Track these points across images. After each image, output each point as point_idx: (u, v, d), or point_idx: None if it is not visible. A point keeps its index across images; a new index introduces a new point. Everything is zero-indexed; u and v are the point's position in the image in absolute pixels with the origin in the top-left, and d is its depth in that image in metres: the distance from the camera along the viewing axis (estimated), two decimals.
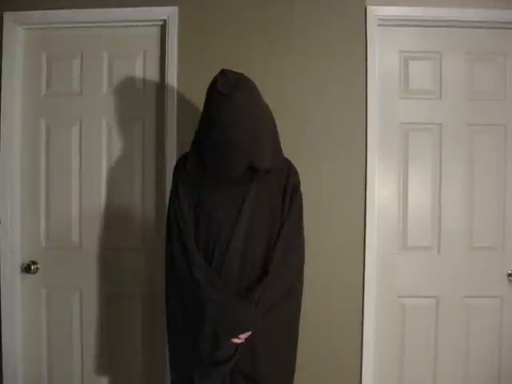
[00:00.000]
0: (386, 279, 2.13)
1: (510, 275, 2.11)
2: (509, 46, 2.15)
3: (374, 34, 2.08)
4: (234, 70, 1.50)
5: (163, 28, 2.15)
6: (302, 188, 1.64)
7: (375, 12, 2.09)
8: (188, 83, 2.09)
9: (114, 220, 2.17)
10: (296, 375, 1.63)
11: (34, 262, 2.19)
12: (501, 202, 2.13)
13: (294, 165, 1.67)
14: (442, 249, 2.13)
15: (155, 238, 2.11)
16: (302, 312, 1.62)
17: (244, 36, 2.08)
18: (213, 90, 1.44)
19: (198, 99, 2.00)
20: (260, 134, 1.50)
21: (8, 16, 2.15)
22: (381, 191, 2.13)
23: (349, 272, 2.07)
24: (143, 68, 2.19)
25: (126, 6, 2.13)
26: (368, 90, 2.07)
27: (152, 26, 2.17)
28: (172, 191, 1.62)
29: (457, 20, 2.11)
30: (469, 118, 2.14)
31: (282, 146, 1.64)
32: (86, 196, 2.19)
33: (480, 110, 2.14)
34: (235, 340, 1.46)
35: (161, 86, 2.15)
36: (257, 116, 1.48)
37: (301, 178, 1.65)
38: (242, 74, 1.50)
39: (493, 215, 2.13)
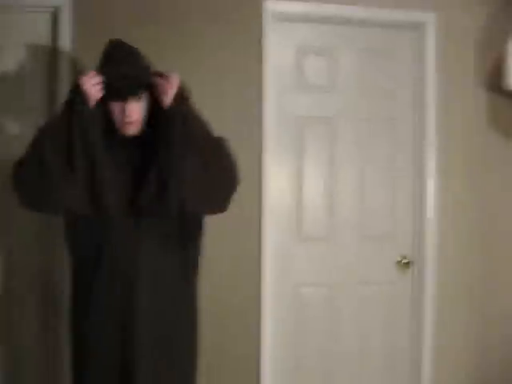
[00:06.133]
0: (282, 269, 2.18)
1: (398, 262, 2.23)
2: (397, 44, 2.26)
3: (270, 28, 2.11)
4: None
5: (55, 15, 2.05)
6: None
7: (271, 7, 2.11)
8: (80, 72, 2.02)
9: None
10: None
11: None
12: (390, 192, 2.25)
13: None
14: (336, 238, 2.22)
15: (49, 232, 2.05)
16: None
17: (139, 24, 2.02)
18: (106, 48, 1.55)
19: None
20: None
21: None
22: (276, 182, 2.17)
23: (245, 262, 2.10)
24: (34, 56, 2.08)
25: None
26: (263, 83, 2.10)
27: (43, 12, 2.07)
28: None
29: (351, 18, 2.20)
30: (361, 113, 2.23)
31: None
32: None
33: (371, 105, 2.24)
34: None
35: (52, 75, 2.06)
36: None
37: None
38: None
39: (383, 205, 2.24)
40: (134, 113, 1.46)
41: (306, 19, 2.19)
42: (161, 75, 1.47)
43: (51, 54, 2.08)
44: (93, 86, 1.42)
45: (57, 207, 1.41)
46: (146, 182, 1.43)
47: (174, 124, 1.42)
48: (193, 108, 1.50)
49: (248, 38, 2.11)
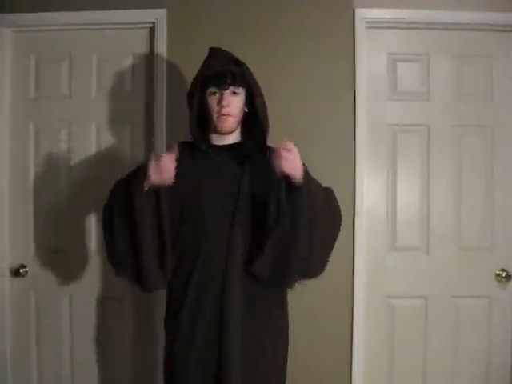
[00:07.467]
0: (375, 280, 2.14)
1: (497, 275, 2.12)
2: (495, 47, 2.17)
3: (362, 36, 2.10)
4: None
5: (152, 30, 2.15)
6: None
7: (363, 14, 2.10)
8: (177, 85, 2.09)
9: None
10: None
11: (23, 266, 2.18)
12: (489, 202, 2.14)
13: None
14: (431, 249, 2.14)
15: None
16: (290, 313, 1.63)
17: (232, 38, 2.07)
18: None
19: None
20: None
21: None
22: (369, 192, 2.14)
23: (338, 273, 2.07)
24: (132, 70, 2.19)
25: (115, 9, 2.13)
26: (356, 92, 2.09)
27: (141, 28, 2.17)
28: None
29: (444, 22, 2.13)
30: (456, 120, 2.15)
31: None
32: (75, 200, 2.18)
33: (467, 112, 2.16)
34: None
35: (150, 88, 2.15)
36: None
37: None
38: None
39: (481, 216, 2.14)
40: (230, 103, 1.49)
41: (397, 25, 2.15)
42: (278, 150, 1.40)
43: (149, 67, 2.17)
44: (161, 173, 1.38)
45: (115, 269, 1.53)
46: (263, 250, 1.41)
47: (301, 197, 1.41)
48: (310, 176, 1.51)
49: (340, 46, 2.10)
